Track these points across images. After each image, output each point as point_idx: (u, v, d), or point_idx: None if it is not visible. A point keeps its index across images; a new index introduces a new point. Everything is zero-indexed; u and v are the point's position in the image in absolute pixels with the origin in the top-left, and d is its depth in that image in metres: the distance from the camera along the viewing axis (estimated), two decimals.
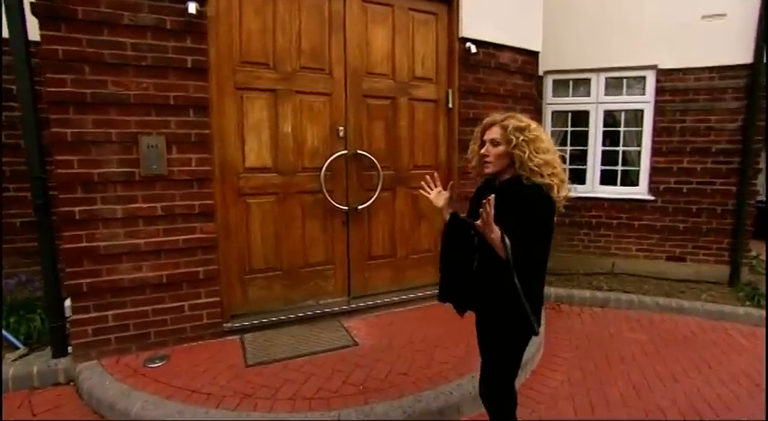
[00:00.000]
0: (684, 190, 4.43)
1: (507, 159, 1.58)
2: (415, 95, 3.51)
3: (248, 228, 3.02)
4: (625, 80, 4.57)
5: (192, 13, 2.53)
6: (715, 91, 4.23)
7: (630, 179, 4.71)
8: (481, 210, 1.37)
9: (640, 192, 4.62)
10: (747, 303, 3.85)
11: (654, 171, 4.53)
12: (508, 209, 1.46)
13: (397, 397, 2.28)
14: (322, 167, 3.13)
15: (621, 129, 4.66)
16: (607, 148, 4.72)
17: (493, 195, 1.36)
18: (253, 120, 2.95)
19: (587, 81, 4.67)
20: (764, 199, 4.55)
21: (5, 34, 2.37)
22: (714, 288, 4.22)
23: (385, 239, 3.53)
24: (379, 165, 3.32)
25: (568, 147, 4.79)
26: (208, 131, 2.73)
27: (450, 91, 3.59)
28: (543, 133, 1.60)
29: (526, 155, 1.52)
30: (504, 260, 1.46)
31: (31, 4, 2.29)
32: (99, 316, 2.60)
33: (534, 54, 3.97)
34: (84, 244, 2.52)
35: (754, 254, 4.68)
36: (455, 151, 3.59)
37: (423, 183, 1.84)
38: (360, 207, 3.31)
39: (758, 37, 4.00)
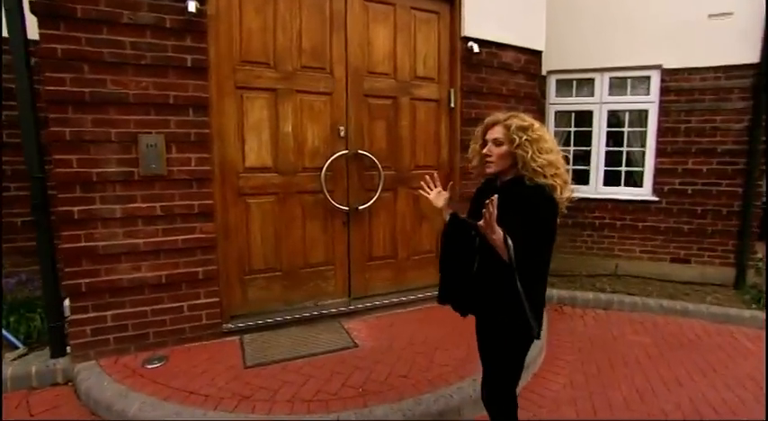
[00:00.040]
0: (689, 191, 4.38)
1: (510, 159, 1.55)
2: (417, 95, 3.48)
3: (248, 228, 3.00)
4: (629, 80, 4.52)
5: (191, 12, 2.52)
6: (721, 91, 4.18)
7: (634, 180, 4.66)
8: (484, 210, 1.33)
9: (644, 193, 4.57)
10: (753, 306, 3.79)
11: (658, 172, 4.48)
12: (510, 210, 1.43)
13: (397, 399, 2.26)
14: (323, 167, 3.10)
15: (625, 129, 4.61)
16: (611, 149, 4.67)
17: (496, 196, 1.33)
18: (253, 119, 2.93)
19: (591, 81, 4.62)
20: (765, 199, 4.49)
21: (5, 33, 2.36)
22: (719, 290, 4.17)
23: (386, 240, 3.51)
24: (380, 166, 3.29)
25: (572, 148, 4.74)
26: (207, 131, 2.72)
27: (452, 90, 3.56)
28: (546, 133, 1.57)
29: (529, 155, 1.49)
30: (505, 262, 1.43)
31: (30, 2, 2.28)
32: (98, 316, 2.58)
33: (537, 53, 3.93)
34: (83, 243, 2.51)
35: (759, 256, 4.62)
36: (457, 151, 3.56)
37: (422, 183, 1.81)
38: (360, 207, 3.29)
39: (765, 36, 3.95)
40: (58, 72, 2.34)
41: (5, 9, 2.29)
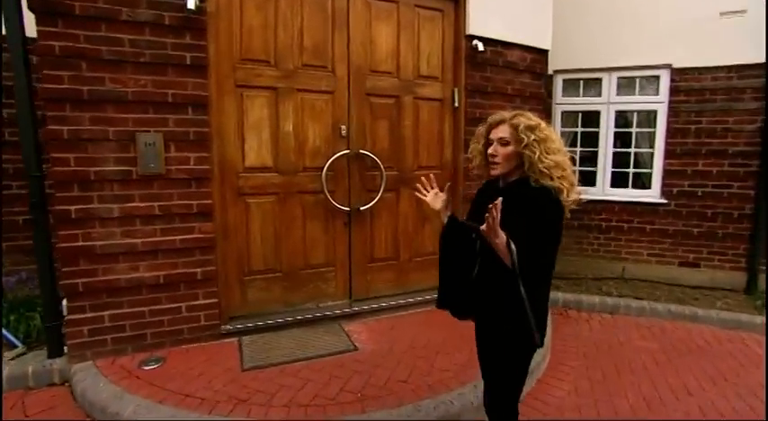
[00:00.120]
0: (699, 193, 4.28)
1: (516, 160, 1.49)
2: (420, 94, 3.43)
3: (248, 228, 2.96)
4: (638, 80, 4.42)
5: (191, 9, 2.48)
6: (733, 91, 4.07)
7: (642, 182, 4.57)
8: (487, 215, 1.27)
9: (653, 195, 4.48)
10: (765, 312, 3.69)
11: (667, 173, 4.38)
12: (514, 212, 1.37)
13: (396, 405, 2.20)
14: (324, 167, 3.06)
15: (633, 130, 4.52)
16: (618, 150, 4.57)
17: (500, 199, 1.27)
18: (253, 118, 2.89)
19: (598, 81, 4.54)
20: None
21: (3, 31, 2.34)
22: (730, 295, 4.06)
23: (388, 241, 3.45)
24: (382, 166, 3.24)
25: (578, 149, 4.66)
26: (207, 130, 2.68)
27: (456, 90, 3.50)
28: (553, 133, 1.51)
29: (537, 155, 1.42)
30: (507, 266, 1.37)
31: None
32: (95, 316, 2.56)
33: (543, 52, 3.86)
34: (81, 243, 2.48)
35: None
36: (461, 151, 3.50)
37: (418, 185, 1.75)
38: (362, 208, 3.24)
39: None
40: (55, 70, 2.31)
41: (3, 6, 2.27)
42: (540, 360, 2.76)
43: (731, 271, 4.24)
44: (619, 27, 4.30)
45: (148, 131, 2.54)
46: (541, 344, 1.49)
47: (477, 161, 1.64)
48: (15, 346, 2.71)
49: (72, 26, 2.32)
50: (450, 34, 3.46)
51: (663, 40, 4.19)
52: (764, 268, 4.12)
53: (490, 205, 1.26)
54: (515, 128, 1.47)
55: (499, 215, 1.27)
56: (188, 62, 2.58)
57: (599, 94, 4.55)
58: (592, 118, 4.61)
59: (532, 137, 1.44)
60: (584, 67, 4.50)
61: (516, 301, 1.42)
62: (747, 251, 4.17)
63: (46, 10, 2.27)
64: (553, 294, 3.95)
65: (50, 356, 2.56)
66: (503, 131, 1.51)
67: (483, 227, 1.31)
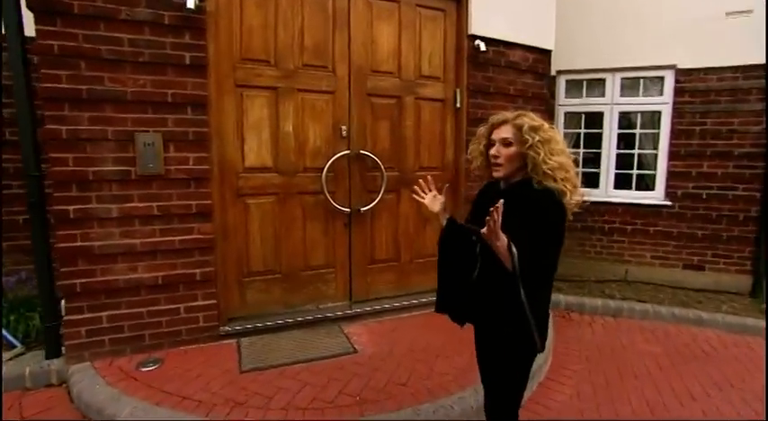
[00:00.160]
0: (704, 195, 4.23)
1: (519, 161, 1.46)
2: (422, 94, 3.40)
3: (247, 229, 2.94)
4: (642, 80, 4.38)
5: (190, 8, 2.46)
6: (739, 92, 4.02)
7: (646, 183, 4.52)
8: (488, 218, 1.24)
9: (656, 196, 4.43)
10: (765, 314, 3.63)
11: (671, 175, 4.34)
12: (516, 214, 1.34)
13: (395, 409, 2.18)
14: (324, 168, 3.04)
15: (637, 131, 4.48)
16: (622, 151, 4.53)
17: (501, 201, 1.24)
18: (253, 118, 2.87)
19: (602, 81, 4.49)
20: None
21: (3, 30, 2.34)
22: (735, 299, 4.01)
23: (388, 242, 3.43)
24: (382, 166, 3.22)
25: (581, 150, 4.62)
26: (206, 130, 2.67)
27: (458, 90, 3.47)
28: (557, 134, 1.48)
29: (541, 157, 1.39)
30: (508, 270, 1.34)
31: None
32: (93, 317, 2.54)
33: (546, 52, 3.83)
34: (79, 243, 2.47)
35: None
36: (463, 152, 3.47)
37: (415, 187, 1.72)
38: (362, 209, 3.22)
39: None
40: (54, 69, 2.30)
41: (2, 5, 2.26)
42: (542, 363, 2.73)
43: (736, 274, 4.19)
44: (622, 27, 4.26)
45: (147, 131, 2.52)
46: (542, 350, 1.46)
47: (477, 162, 1.61)
48: (14, 346, 2.70)
49: (71, 25, 2.31)
50: (452, 34, 3.43)
51: (667, 40, 4.15)
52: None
53: (491, 208, 1.23)
54: (519, 128, 1.44)
55: (500, 218, 1.24)
56: (187, 62, 2.56)
57: (602, 95, 4.51)
58: (595, 119, 4.57)
59: (537, 137, 1.41)
60: (587, 67, 4.46)
61: (517, 306, 1.38)
62: (753, 254, 4.11)
63: (45, 9, 2.26)
64: (555, 296, 3.91)
65: (48, 357, 2.55)
66: (506, 132, 1.48)
67: (484, 230, 1.28)
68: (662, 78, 4.30)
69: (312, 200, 3.10)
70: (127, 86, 2.45)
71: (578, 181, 1.47)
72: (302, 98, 3.00)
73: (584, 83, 4.57)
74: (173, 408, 2.13)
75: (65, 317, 2.52)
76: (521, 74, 3.68)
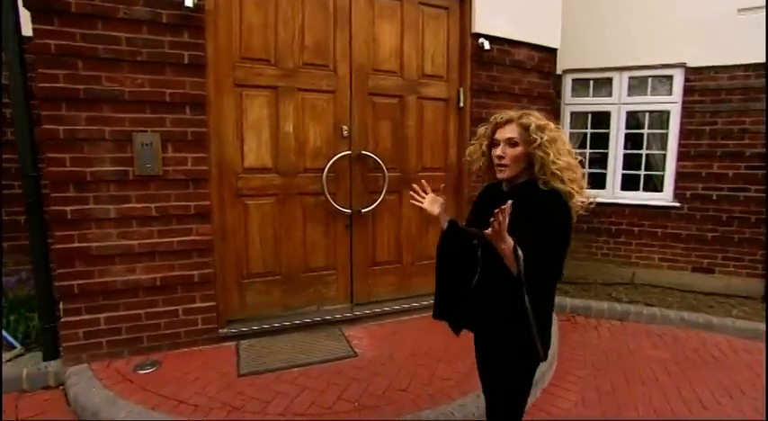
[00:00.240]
0: (714, 197, 4.13)
1: (524, 162, 1.40)
2: (425, 94, 3.35)
3: (246, 230, 2.91)
4: (650, 79, 4.29)
5: (188, 7, 2.43)
6: (751, 90, 3.91)
7: (654, 184, 4.43)
8: (492, 219, 1.18)
9: (665, 198, 4.34)
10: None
11: (680, 176, 4.24)
12: (522, 216, 1.28)
13: (395, 415, 2.13)
14: (324, 168, 2.99)
15: (645, 131, 4.39)
16: (629, 152, 4.44)
17: (510, 202, 1.18)
18: (252, 118, 2.84)
19: (609, 80, 4.41)
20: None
21: None
22: (746, 303, 3.90)
23: (390, 244, 3.38)
24: (384, 167, 3.17)
25: (588, 150, 4.54)
26: (205, 130, 2.63)
27: (461, 89, 3.41)
28: (562, 133, 1.42)
29: (551, 157, 1.33)
30: (511, 275, 1.28)
31: None
32: (90, 318, 2.52)
33: (552, 51, 3.75)
34: (76, 244, 2.45)
35: None
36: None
37: (411, 192, 1.66)
38: (364, 210, 3.17)
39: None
40: (51, 68, 2.28)
41: (1, 4, 2.24)
42: (546, 369, 2.66)
43: (748, 277, 4.09)
44: (630, 25, 4.18)
45: (145, 131, 2.49)
46: (545, 358, 1.40)
47: (479, 163, 1.54)
48: (14, 347, 2.68)
49: (68, 24, 2.28)
50: (455, 32, 3.38)
51: (676, 38, 4.06)
52: None
53: (497, 210, 1.17)
54: (525, 128, 1.38)
55: (507, 219, 1.18)
56: (186, 61, 2.53)
57: (609, 95, 4.42)
58: (602, 119, 4.49)
59: (545, 137, 1.35)
60: (594, 66, 4.38)
61: (520, 312, 1.33)
62: (765, 257, 4.01)
63: (42, 8, 2.23)
64: (561, 299, 3.84)
65: (46, 359, 2.53)
66: (511, 132, 1.42)
67: (488, 231, 1.22)
68: (671, 77, 4.21)
69: (312, 201, 3.06)
70: (125, 86, 2.43)
71: (584, 182, 1.42)
72: (302, 97, 2.96)
73: (591, 82, 4.49)
74: (168, 413, 2.09)
75: (62, 319, 2.50)
76: (526, 73, 3.61)
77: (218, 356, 2.66)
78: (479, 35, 3.31)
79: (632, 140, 4.45)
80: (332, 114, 3.05)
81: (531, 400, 2.41)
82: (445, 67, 3.39)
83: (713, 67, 4.01)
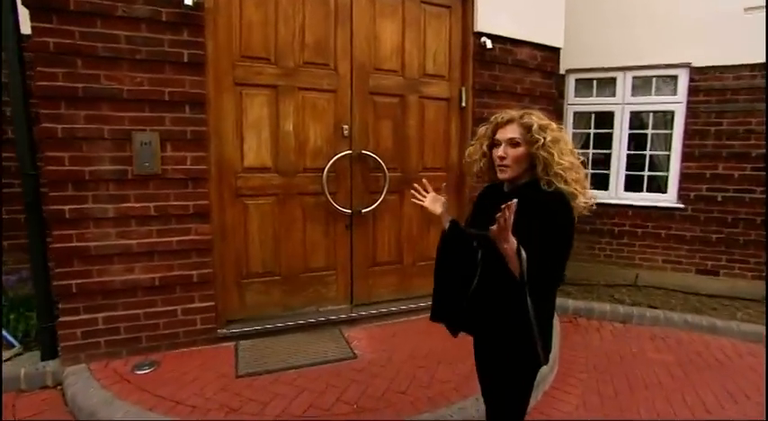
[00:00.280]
0: (719, 198, 4.09)
1: (526, 163, 1.38)
2: (426, 93, 3.32)
3: (246, 230, 2.89)
4: (654, 79, 4.25)
5: (188, 5, 2.42)
6: (757, 90, 3.86)
7: (658, 185, 4.39)
8: (498, 215, 1.15)
9: (669, 199, 4.30)
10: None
11: (684, 177, 4.20)
12: (524, 217, 1.25)
13: (393, 418, 2.10)
14: (325, 168, 2.97)
15: (649, 131, 4.34)
16: (633, 152, 4.40)
17: (515, 200, 1.15)
18: (252, 117, 2.82)
19: (612, 80, 4.37)
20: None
21: None
22: (751, 306, 3.86)
23: (391, 245, 3.35)
24: (385, 167, 3.15)
25: (591, 151, 4.50)
26: (204, 129, 2.62)
27: (463, 89, 3.38)
28: (565, 133, 1.40)
29: (555, 157, 1.31)
30: (512, 277, 1.26)
31: None
32: (89, 318, 2.51)
33: (555, 50, 3.72)
34: (75, 243, 2.43)
35: None
36: None
37: (412, 191, 1.64)
38: (364, 210, 3.15)
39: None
40: (50, 67, 2.26)
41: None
42: (547, 372, 2.63)
43: (753, 280, 4.04)
44: (634, 25, 4.13)
45: (144, 130, 2.48)
46: (546, 362, 1.37)
47: (480, 164, 1.51)
48: (13, 346, 2.68)
49: (67, 22, 2.27)
50: (457, 31, 3.35)
51: (681, 37, 4.01)
52: None
53: (503, 205, 1.14)
54: (527, 128, 1.36)
55: (512, 217, 1.15)
56: (185, 59, 2.51)
57: (613, 95, 4.39)
58: (605, 119, 4.45)
59: (548, 137, 1.33)
60: (597, 66, 4.34)
61: (520, 315, 1.30)
62: (765, 258, 3.95)
63: (40, 5, 2.22)
64: (563, 301, 3.81)
65: (44, 358, 2.52)
66: (512, 131, 1.39)
67: (493, 228, 1.19)
68: (675, 77, 4.17)
69: (312, 201, 3.04)
70: (124, 84, 2.41)
71: (587, 182, 1.39)
72: (303, 97, 2.94)
73: (595, 82, 4.45)
74: (165, 414, 2.08)
75: (60, 319, 2.49)
76: (528, 72, 3.58)
77: (217, 357, 2.64)
78: (482, 34, 3.28)
79: (636, 141, 4.41)
80: (332, 113, 3.03)
81: (531, 403, 2.37)
82: (447, 66, 3.37)
83: (718, 66, 3.96)
